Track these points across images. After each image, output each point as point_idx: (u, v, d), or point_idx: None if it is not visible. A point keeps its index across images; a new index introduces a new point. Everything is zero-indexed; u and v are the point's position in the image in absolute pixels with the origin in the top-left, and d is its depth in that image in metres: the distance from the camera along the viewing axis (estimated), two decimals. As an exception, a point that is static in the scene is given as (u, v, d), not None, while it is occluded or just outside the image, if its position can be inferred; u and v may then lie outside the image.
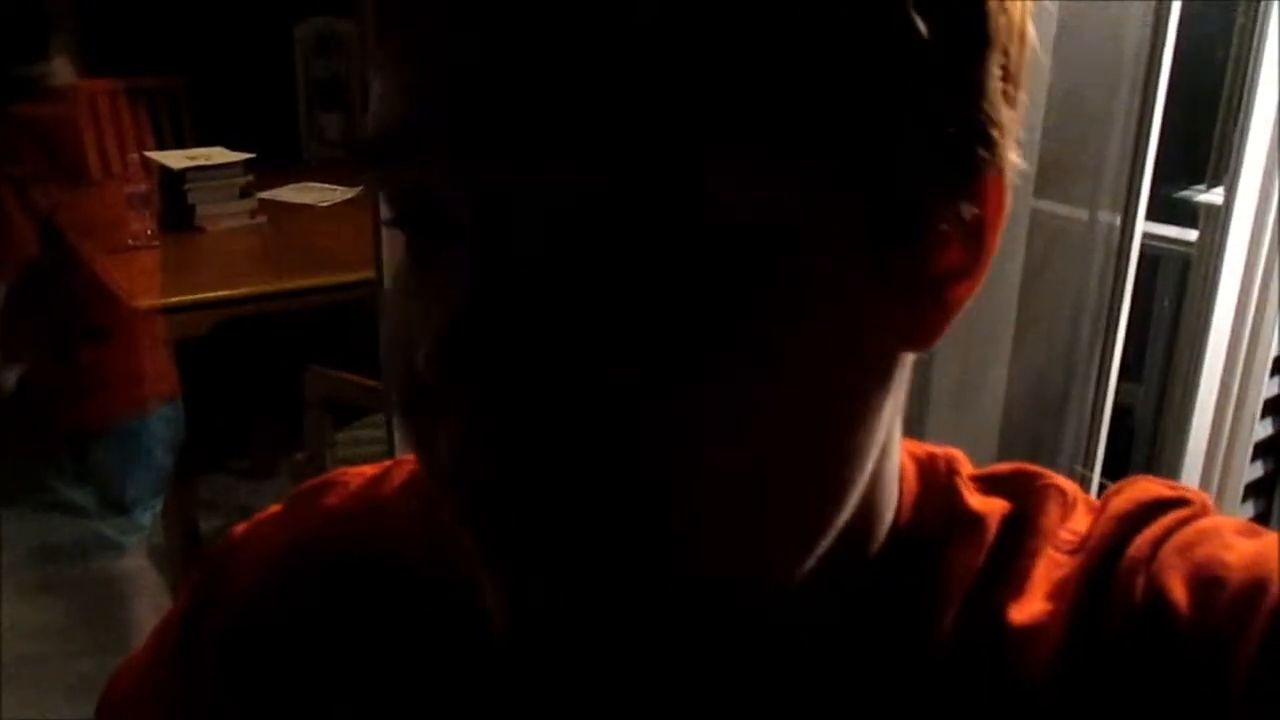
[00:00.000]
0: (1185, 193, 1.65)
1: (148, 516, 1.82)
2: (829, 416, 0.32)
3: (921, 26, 0.29)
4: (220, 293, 2.19)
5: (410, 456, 0.46)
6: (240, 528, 0.48)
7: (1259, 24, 1.42)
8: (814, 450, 0.32)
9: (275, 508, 0.48)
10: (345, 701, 0.42)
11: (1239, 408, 1.65)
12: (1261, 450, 1.76)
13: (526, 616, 0.32)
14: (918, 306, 0.33)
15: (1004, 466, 0.42)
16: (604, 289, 0.29)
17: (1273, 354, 1.66)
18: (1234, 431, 1.67)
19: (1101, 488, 0.40)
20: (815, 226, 0.30)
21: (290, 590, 0.44)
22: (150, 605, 1.82)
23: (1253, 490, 1.77)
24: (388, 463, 0.47)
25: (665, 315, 0.29)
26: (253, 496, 2.56)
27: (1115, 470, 1.58)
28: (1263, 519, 1.83)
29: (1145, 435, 1.70)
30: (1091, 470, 1.50)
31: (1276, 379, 1.73)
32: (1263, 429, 1.74)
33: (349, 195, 2.77)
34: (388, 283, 1.06)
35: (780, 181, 0.29)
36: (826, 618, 0.37)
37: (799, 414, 0.31)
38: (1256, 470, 1.77)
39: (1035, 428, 1.52)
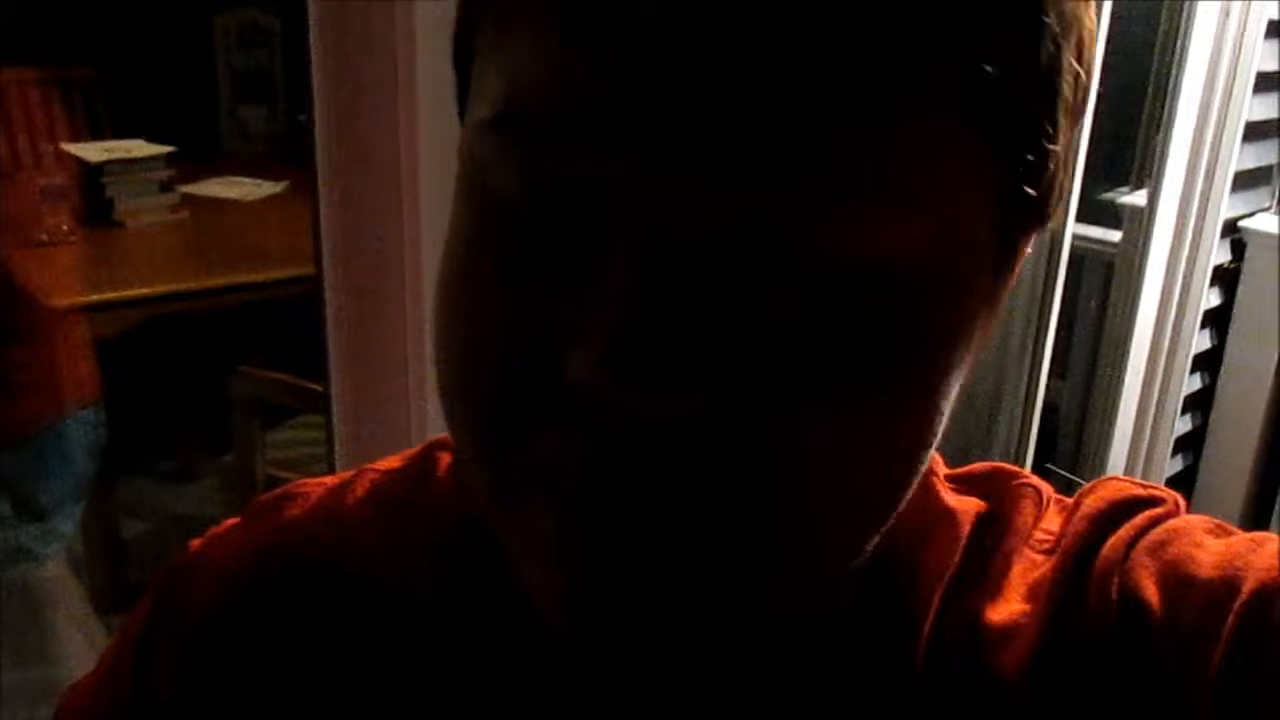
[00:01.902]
0: (1109, 194, 1.69)
1: (68, 524, 1.75)
2: (931, 434, 0.33)
3: (1080, 72, 0.31)
4: (142, 290, 2.11)
5: (372, 466, 0.46)
6: (196, 543, 0.46)
7: (1182, 31, 1.46)
8: (913, 465, 0.33)
9: (231, 521, 0.46)
10: (315, 716, 0.41)
11: (1161, 403, 1.70)
12: (1182, 444, 1.82)
13: (604, 621, 0.31)
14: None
15: (980, 466, 0.42)
16: (770, 306, 0.28)
17: (1193, 351, 1.71)
18: (1156, 426, 1.71)
19: (1035, 464, 0.40)
20: (965, 261, 0.31)
21: (255, 605, 0.42)
22: (69, 616, 1.75)
23: (1174, 484, 1.83)
24: (348, 473, 0.46)
25: (823, 339, 0.29)
26: (178, 501, 2.49)
27: (1042, 465, 1.62)
28: (1183, 511, 1.88)
29: (1071, 431, 1.75)
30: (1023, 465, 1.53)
31: (1197, 375, 1.79)
32: (1183, 424, 1.79)
33: (274, 190, 2.71)
34: (330, 279, 1.04)
35: (945, 218, 0.29)
36: (810, 615, 0.37)
37: (915, 435, 0.32)
38: (1177, 464, 1.83)
39: (967, 425, 1.55)
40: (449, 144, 0.98)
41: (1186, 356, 1.69)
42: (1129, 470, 1.69)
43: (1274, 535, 0.36)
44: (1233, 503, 1.83)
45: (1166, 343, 1.66)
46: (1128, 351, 1.62)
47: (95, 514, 1.97)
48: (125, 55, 2.90)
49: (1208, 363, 1.80)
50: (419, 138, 0.95)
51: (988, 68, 0.28)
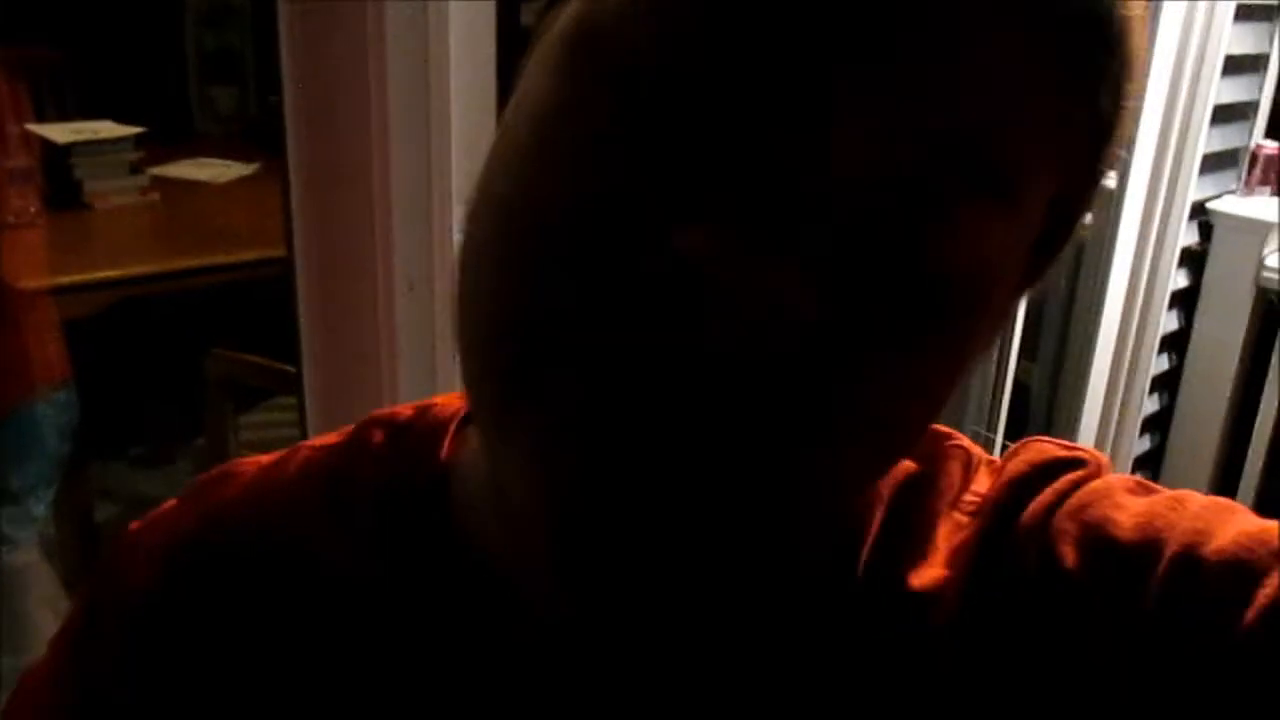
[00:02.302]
0: (1079, 176, 1.71)
1: (41, 507, 1.74)
2: (946, 404, 0.34)
3: (1111, 115, 0.32)
4: (111, 273, 2.09)
5: (307, 443, 0.45)
6: (134, 525, 0.46)
7: (1151, 15, 1.47)
8: (922, 436, 0.34)
9: (170, 502, 0.46)
10: (253, 695, 0.41)
11: (1129, 383, 1.72)
12: (1150, 424, 1.84)
13: (587, 536, 0.30)
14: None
15: None
16: (883, 254, 0.29)
17: (1161, 332, 1.73)
18: (1124, 406, 1.73)
19: (1004, 449, 0.41)
20: (1018, 264, 0.33)
21: (192, 584, 0.42)
22: (42, 600, 1.75)
23: (1141, 463, 1.85)
24: (283, 451, 0.46)
25: (917, 302, 0.29)
26: (151, 484, 2.47)
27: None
28: (1150, 490, 1.91)
29: (1041, 411, 1.76)
30: (995, 434, 1.55)
31: (1165, 356, 1.81)
32: (1151, 404, 1.82)
33: (245, 172, 2.69)
34: (301, 261, 1.04)
35: (1008, 237, 0.31)
36: (770, 575, 0.37)
37: (939, 407, 0.33)
38: (1145, 444, 1.85)
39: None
40: (419, 124, 0.98)
41: (1154, 337, 1.71)
42: (1097, 450, 1.71)
43: (1194, 493, 0.36)
44: (1199, 481, 1.85)
45: (1135, 323, 1.68)
46: (1097, 332, 1.63)
47: (68, 498, 1.95)
48: (94, 35, 2.86)
49: (1175, 343, 1.83)
50: (389, 118, 0.95)
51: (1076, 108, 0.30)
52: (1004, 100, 0.29)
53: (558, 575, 0.32)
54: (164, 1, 3.20)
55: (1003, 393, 1.55)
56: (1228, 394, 1.80)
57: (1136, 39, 0.32)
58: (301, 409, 1.12)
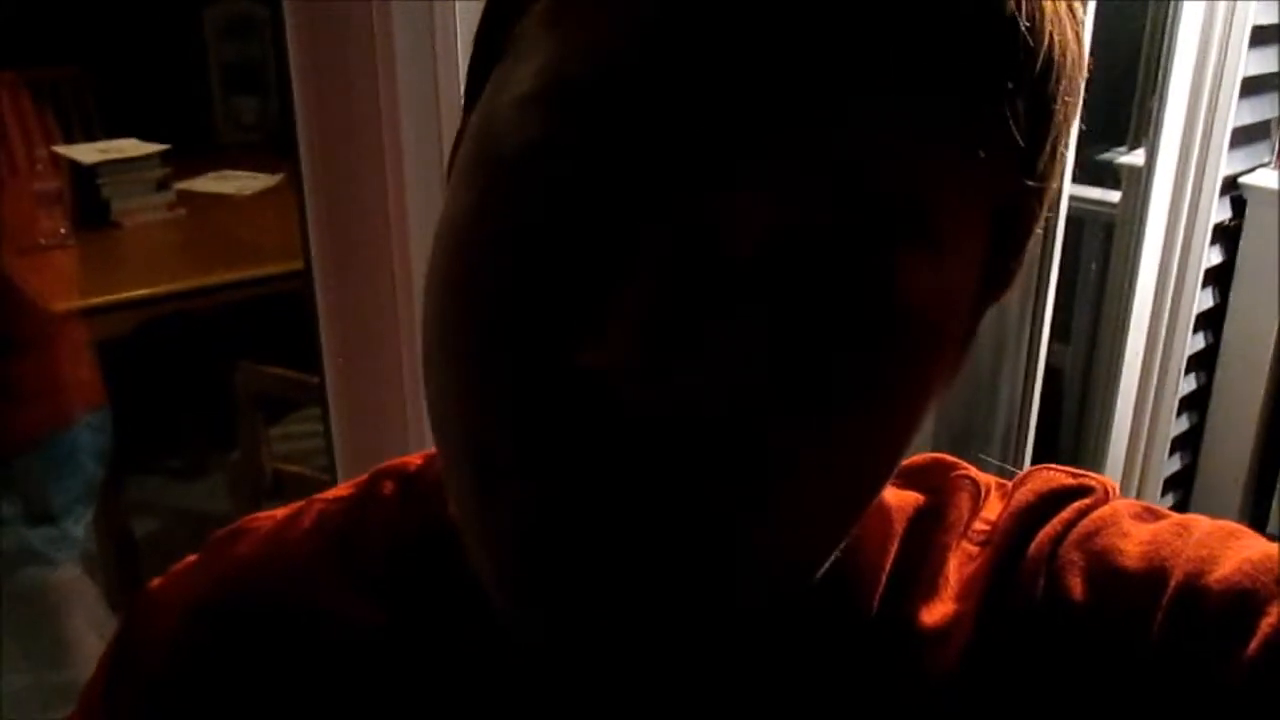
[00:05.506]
0: (1107, 155, 1.68)
1: (79, 527, 1.77)
2: (903, 456, 0.34)
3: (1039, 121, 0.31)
4: (143, 291, 2.11)
5: (320, 496, 0.46)
6: (155, 581, 0.46)
7: (1174, -12, 1.44)
8: (883, 483, 0.34)
9: (189, 559, 0.47)
10: None
11: (1164, 363, 1.69)
12: (1187, 405, 1.81)
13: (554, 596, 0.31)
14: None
15: (920, 458, 0.42)
16: (792, 322, 0.29)
17: (1195, 310, 1.70)
18: (1160, 387, 1.71)
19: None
20: (961, 295, 0.32)
21: (207, 646, 0.43)
22: (85, 617, 1.77)
23: (1178, 444, 1.82)
24: (298, 504, 0.46)
25: (833, 362, 0.29)
26: (187, 497, 2.50)
27: (1046, 429, 1.61)
28: (1187, 473, 1.88)
29: (1075, 395, 1.74)
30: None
31: (1200, 334, 1.78)
32: (1188, 384, 1.79)
33: (269, 183, 2.71)
34: (319, 272, 1.04)
35: (940, 268, 0.30)
36: (764, 624, 0.37)
37: (894, 457, 0.33)
38: (1182, 424, 1.82)
39: (971, 393, 1.55)
40: (431, 131, 0.98)
41: (1189, 316, 1.69)
42: (1133, 433, 1.69)
43: (1200, 517, 0.36)
44: (1239, 461, 1.82)
45: (1168, 302, 1.65)
46: (1129, 312, 1.61)
47: (106, 514, 1.98)
48: (115, 53, 2.90)
49: (1210, 321, 1.80)
50: (401, 126, 0.95)
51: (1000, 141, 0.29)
52: (903, 140, 0.28)
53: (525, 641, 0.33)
54: (183, 15, 3.23)
55: (1034, 377, 1.53)
56: (1265, 370, 1.77)
57: (1064, 34, 0.30)
58: (326, 420, 1.12)
